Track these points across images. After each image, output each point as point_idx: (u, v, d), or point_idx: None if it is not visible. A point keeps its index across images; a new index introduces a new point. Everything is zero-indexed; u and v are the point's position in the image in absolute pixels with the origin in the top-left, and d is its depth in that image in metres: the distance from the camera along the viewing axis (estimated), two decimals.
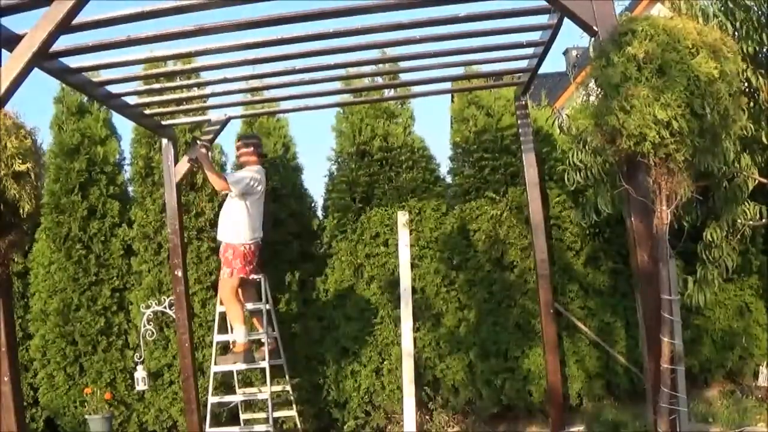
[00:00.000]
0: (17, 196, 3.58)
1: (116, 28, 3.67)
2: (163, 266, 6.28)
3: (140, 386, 5.91)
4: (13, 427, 3.74)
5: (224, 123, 5.65)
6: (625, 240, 5.69)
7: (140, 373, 5.91)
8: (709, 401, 5.84)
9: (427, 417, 6.18)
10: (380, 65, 5.58)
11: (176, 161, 5.47)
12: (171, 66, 5.63)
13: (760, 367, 6.09)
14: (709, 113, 2.83)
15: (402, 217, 6.15)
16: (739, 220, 4.71)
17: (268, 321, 5.72)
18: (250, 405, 6.17)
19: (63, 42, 3.65)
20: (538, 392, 5.96)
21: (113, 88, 4.83)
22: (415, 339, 6.03)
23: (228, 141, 11.35)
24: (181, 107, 5.66)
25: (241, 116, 6.15)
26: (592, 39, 3.51)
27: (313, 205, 6.70)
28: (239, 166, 5.78)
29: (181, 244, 5.40)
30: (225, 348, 5.86)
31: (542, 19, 4.45)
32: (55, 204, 6.33)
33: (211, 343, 5.82)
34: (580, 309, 6.06)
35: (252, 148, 5.63)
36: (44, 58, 3.65)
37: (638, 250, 3.25)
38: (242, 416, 6.02)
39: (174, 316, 5.49)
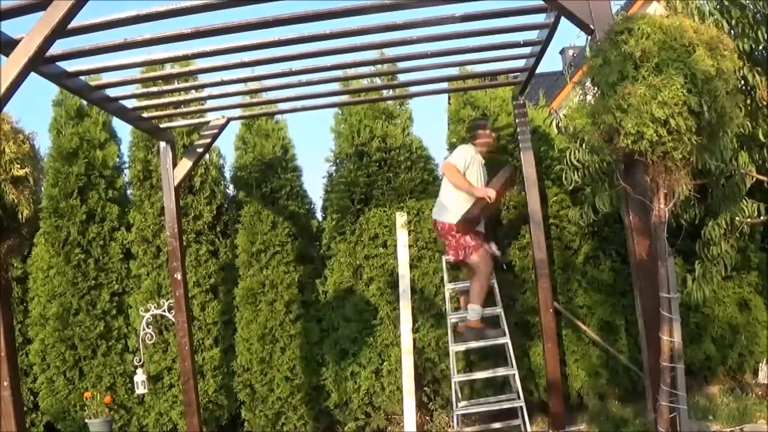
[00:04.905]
0: (16, 200, 3.59)
1: (113, 32, 3.68)
2: (162, 269, 6.28)
3: (140, 390, 5.91)
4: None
5: (223, 125, 5.64)
6: (623, 238, 5.70)
7: (140, 377, 5.91)
8: (710, 399, 5.84)
9: (428, 417, 6.17)
10: (378, 66, 5.59)
11: (174, 164, 5.47)
12: (169, 69, 5.63)
13: (760, 364, 6.09)
14: (707, 111, 2.83)
15: (400, 218, 6.16)
16: (737, 218, 4.71)
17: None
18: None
19: (60, 46, 3.65)
20: (538, 391, 5.97)
21: (111, 92, 4.83)
22: (414, 339, 6.03)
23: (227, 143, 11.34)
24: (179, 110, 5.66)
25: (240, 118, 6.16)
26: (589, 38, 3.52)
27: (312, 206, 6.71)
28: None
29: (180, 248, 5.40)
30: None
31: (539, 18, 4.46)
32: (53, 208, 6.32)
33: (210, 346, 5.82)
34: (579, 308, 6.07)
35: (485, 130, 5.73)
36: (41, 62, 3.66)
37: (636, 249, 3.25)
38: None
39: (173, 320, 5.49)
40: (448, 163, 5.50)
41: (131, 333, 6.33)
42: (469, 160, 5.46)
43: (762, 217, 4.77)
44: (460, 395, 5.66)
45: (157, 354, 6.23)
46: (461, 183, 5.39)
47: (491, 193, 5.32)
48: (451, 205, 5.44)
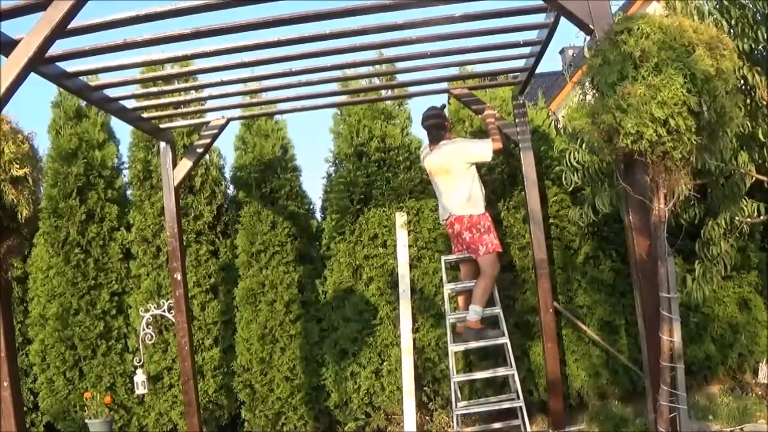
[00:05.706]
0: (15, 201, 3.58)
1: (113, 32, 3.68)
2: (162, 270, 6.28)
3: (140, 390, 5.92)
4: None
5: (223, 126, 5.65)
6: (623, 238, 5.70)
7: (140, 377, 5.91)
8: (710, 398, 5.84)
9: (428, 417, 6.17)
10: (377, 66, 5.59)
11: (174, 165, 5.47)
12: (168, 69, 5.63)
13: (760, 364, 6.09)
14: (707, 111, 2.83)
15: (400, 218, 6.16)
16: (737, 218, 4.72)
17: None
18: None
19: (60, 46, 3.65)
20: (538, 391, 5.97)
21: (111, 92, 4.84)
22: (414, 339, 6.03)
23: (227, 143, 11.36)
24: (179, 110, 5.66)
25: (240, 118, 6.16)
26: (588, 38, 3.52)
27: (311, 206, 6.71)
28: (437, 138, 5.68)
29: (180, 248, 5.40)
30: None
31: (539, 18, 4.47)
32: (53, 208, 6.32)
33: (210, 346, 5.81)
34: (579, 308, 6.07)
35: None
36: (41, 63, 3.66)
37: (636, 248, 3.25)
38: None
39: (173, 320, 5.48)
40: (485, 146, 5.39)
41: (131, 333, 6.33)
42: None
43: (762, 217, 4.78)
44: (459, 395, 5.65)
45: (157, 354, 6.23)
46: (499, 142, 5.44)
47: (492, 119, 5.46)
48: (478, 196, 5.44)
